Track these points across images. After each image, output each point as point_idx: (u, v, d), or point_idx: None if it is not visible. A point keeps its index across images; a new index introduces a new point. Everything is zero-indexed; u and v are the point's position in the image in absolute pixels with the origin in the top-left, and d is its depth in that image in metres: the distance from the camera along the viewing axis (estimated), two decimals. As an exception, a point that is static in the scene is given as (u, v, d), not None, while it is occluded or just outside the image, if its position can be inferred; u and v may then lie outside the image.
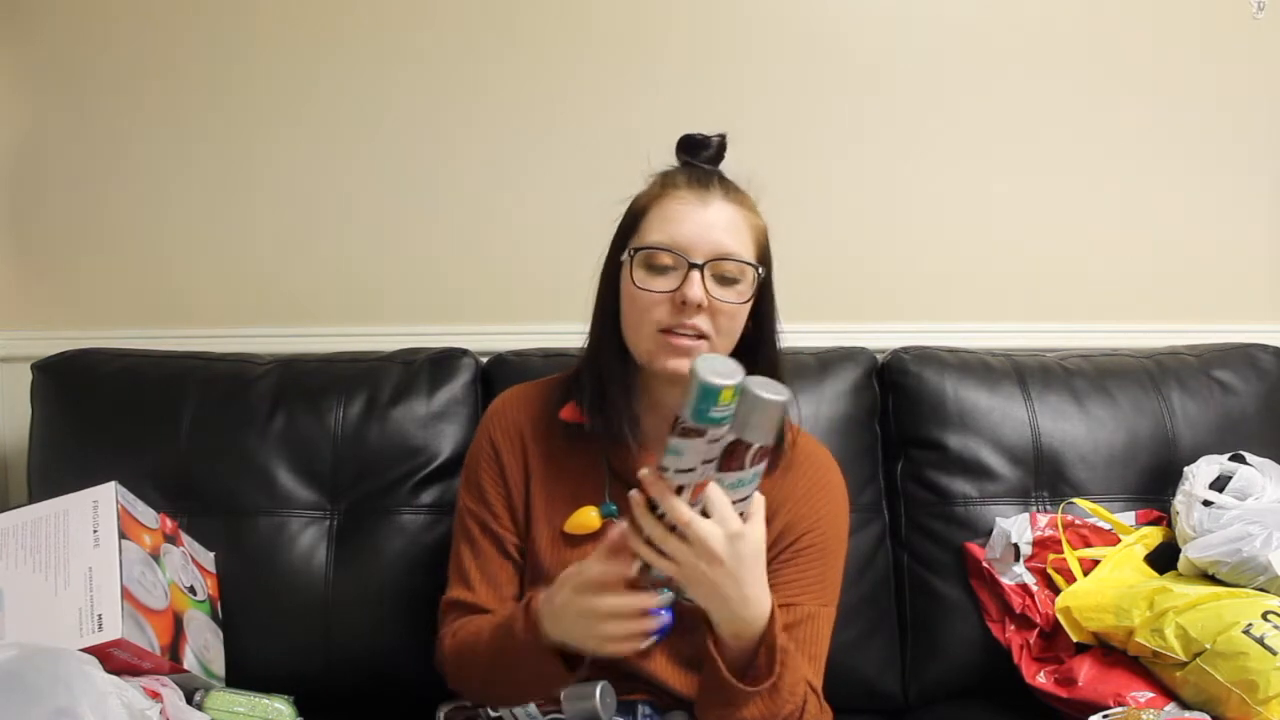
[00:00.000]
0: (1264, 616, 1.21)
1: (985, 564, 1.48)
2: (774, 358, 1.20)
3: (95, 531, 1.21)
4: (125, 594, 1.16)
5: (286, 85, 1.75)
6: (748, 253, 1.15)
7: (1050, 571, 1.45)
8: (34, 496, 1.45)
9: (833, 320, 1.76)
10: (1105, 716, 1.22)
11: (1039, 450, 1.54)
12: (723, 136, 1.20)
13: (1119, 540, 1.47)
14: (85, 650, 1.05)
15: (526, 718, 1.13)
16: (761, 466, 0.92)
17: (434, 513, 1.49)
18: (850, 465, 1.42)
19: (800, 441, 1.25)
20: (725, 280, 1.13)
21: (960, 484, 1.53)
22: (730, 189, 1.17)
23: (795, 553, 1.18)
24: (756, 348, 1.18)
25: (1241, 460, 1.46)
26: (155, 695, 1.09)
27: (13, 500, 1.72)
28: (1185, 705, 1.24)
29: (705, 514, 0.93)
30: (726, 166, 1.21)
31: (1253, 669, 1.17)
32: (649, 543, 0.95)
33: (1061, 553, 1.44)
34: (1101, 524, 1.48)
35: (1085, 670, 1.33)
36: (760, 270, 1.16)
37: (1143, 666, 1.31)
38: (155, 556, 1.27)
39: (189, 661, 1.23)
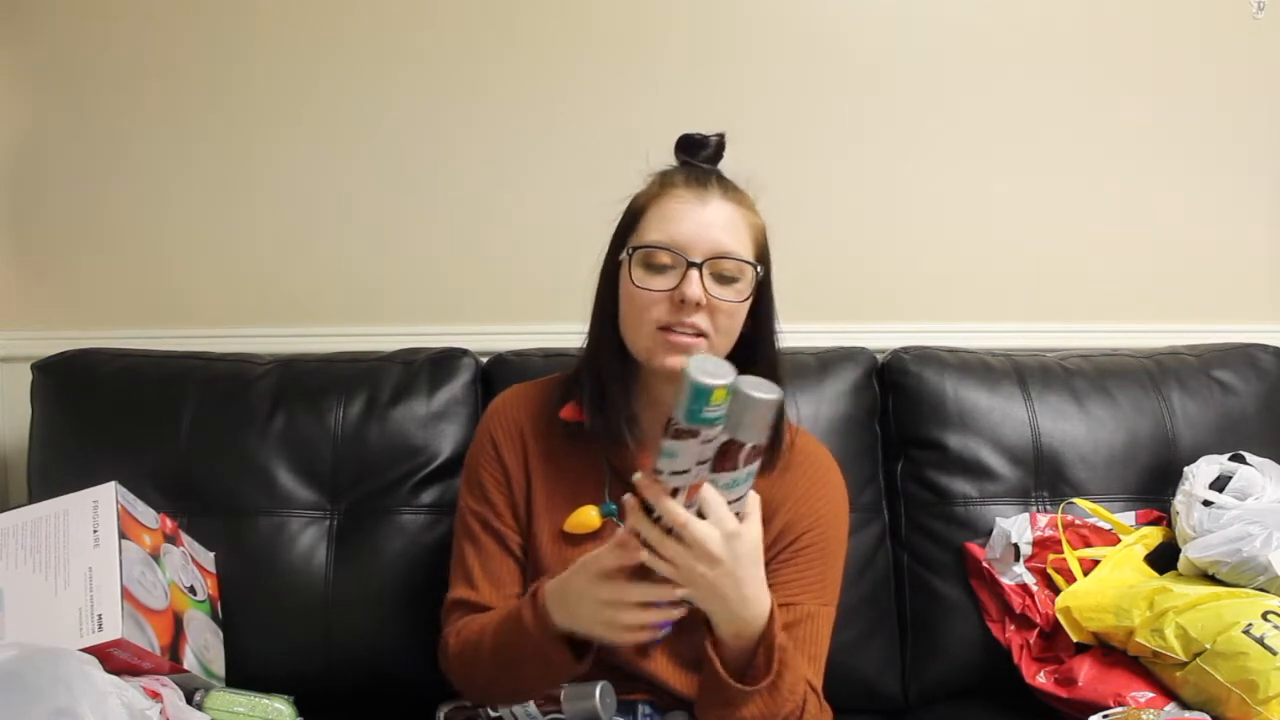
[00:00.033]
0: (1264, 616, 1.21)
1: (985, 564, 1.48)
2: (772, 357, 1.20)
3: (95, 531, 1.21)
4: (125, 594, 1.16)
5: (286, 85, 1.75)
6: (746, 251, 1.15)
7: (1050, 571, 1.45)
8: (34, 496, 1.45)
9: (833, 320, 1.76)
10: (1105, 716, 1.22)
11: (1039, 450, 1.54)
12: (721, 136, 1.20)
13: (1119, 540, 1.47)
14: (85, 650, 1.05)
15: (526, 718, 1.13)
16: (755, 466, 0.92)
17: (434, 513, 1.49)
18: (850, 465, 1.42)
19: (800, 441, 1.25)
20: (724, 279, 1.13)
21: (960, 484, 1.53)
22: (729, 188, 1.17)
23: (795, 552, 1.18)
24: (755, 347, 1.18)
25: (1241, 460, 1.46)
26: (155, 695, 1.09)
27: (13, 500, 1.72)
28: (1185, 705, 1.24)
29: (701, 515, 0.93)
30: (726, 166, 1.21)
31: (1253, 669, 1.17)
32: (647, 546, 0.95)
33: (1061, 553, 1.44)
34: (1101, 524, 1.48)
35: (1085, 670, 1.33)
36: (759, 269, 1.16)
37: (1143, 666, 1.31)
38: (155, 556, 1.27)
39: (189, 661, 1.23)
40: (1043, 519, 1.47)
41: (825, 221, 1.78)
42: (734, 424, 0.87)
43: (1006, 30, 1.78)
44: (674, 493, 0.91)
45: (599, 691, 1.09)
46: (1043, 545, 1.46)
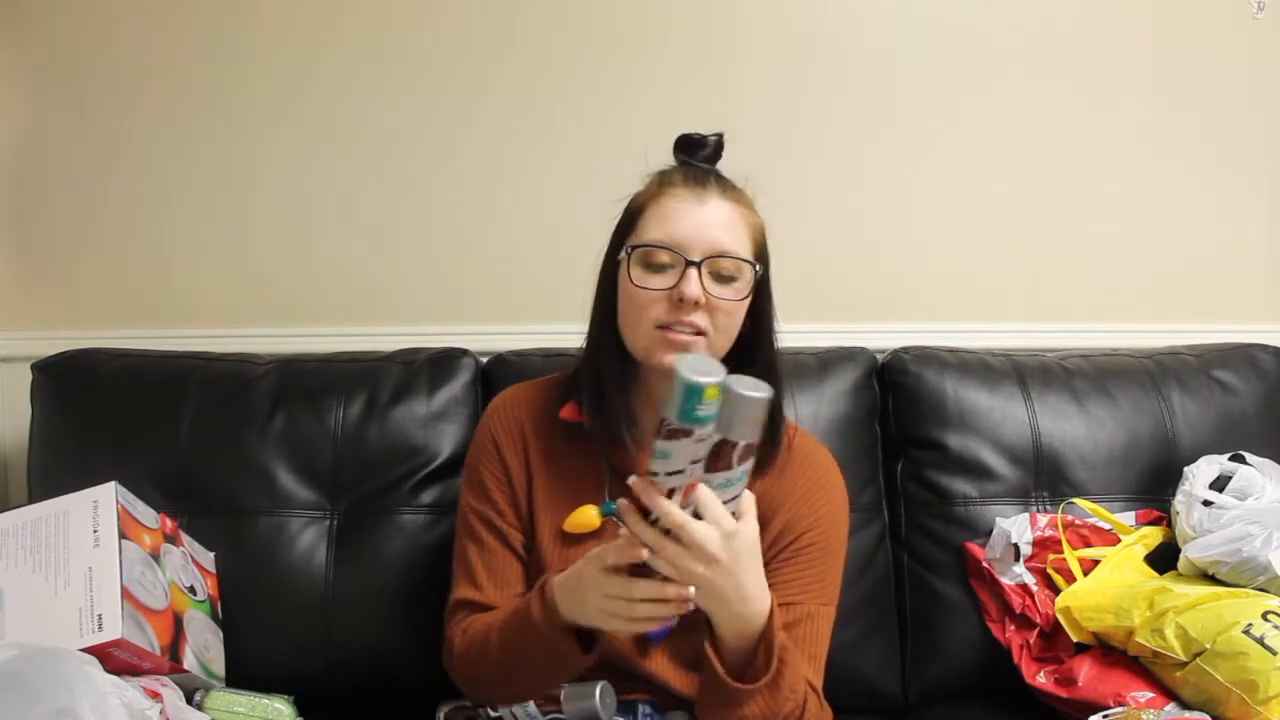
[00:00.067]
0: (1264, 616, 1.21)
1: (985, 564, 1.48)
2: (771, 356, 1.20)
3: (95, 531, 1.21)
4: (125, 594, 1.16)
5: (286, 85, 1.75)
6: (745, 250, 1.15)
7: (1050, 571, 1.45)
8: (34, 496, 1.45)
9: (833, 320, 1.76)
10: (1105, 716, 1.22)
11: (1039, 450, 1.54)
12: (720, 136, 1.20)
13: (1119, 540, 1.47)
14: (85, 650, 1.05)
15: (526, 718, 1.13)
16: (749, 464, 0.92)
17: (434, 513, 1.49)
18: (850, 465, 1.42)
19: (799, 441, 1.25)
20: (722, 277, 1.13)
21: (960, 484, 1.53)
22: (727, 187, 1.17)
23: (795, 552, 1.18)
24: (754, 346, 1.19)
25: (1241, 460, 1.46)
26: (155, 695, 1.09)
27: (13, 500, 1.72)
28: (1185, 705, 1.24)
29: (697, 516, 0.93)
30: (726, 166, 1.21)
31: (1253, 669, 1.17)
32: (646, 548, 0.95)
33: (1061, 553, 1.44)
34: (1101, 524, 1.48)
35: (1085, 670, 1.33)
36: (757, 268, 1.16)
37: (1143, 666, 1.31)
38: (155, 556, 1.27)
39: (189, 661, 1.23)
40: (1043, 519, 1.47)
41: (825, 221, 1.78)
42: (726, 423, 0.88)
43: (1006, 30, 1.78)
44: (670, 493, 0.91)
45: (599, 691, 1.09)
46: (1043, 545, 1.46)
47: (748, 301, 1.16)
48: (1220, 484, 1.42)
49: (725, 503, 0.94)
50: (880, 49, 1.77)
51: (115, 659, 1.12)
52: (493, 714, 1.17)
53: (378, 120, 1.75)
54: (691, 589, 0.96)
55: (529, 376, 1.37)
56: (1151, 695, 1.26)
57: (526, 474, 1.24)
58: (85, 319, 1.77)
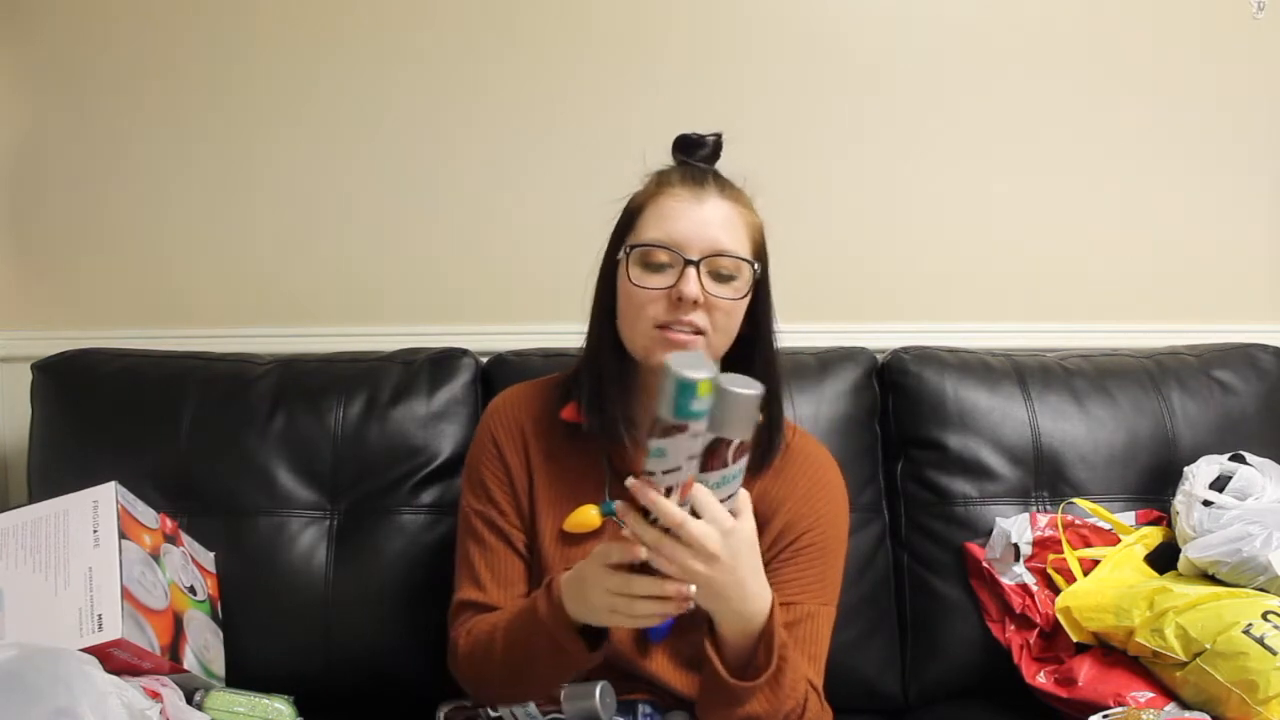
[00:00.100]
0: (1264, 616, 1.21)
1: (985, 564, 1.48)
2: (770, 356, 1.20)
3: (95, 531, 1.21)
4: (125, 594, 1.16)
5: (286, 85, 1.75)
6: (743, 249, 1.15)
7: (1050, 571, 1.45)
8: (34, 496, 1.45)
9: (833, 320, 1.76)
10: (1105, 716, 1.22)
11: (1039, 450, 1.54)
12: (718, 136, 1.20)
13: (1119, 540, 1.47)
14: (85, 650, 1.05)
15: (527, 718, 1.13)
16: (744, 461, 0.93)
17: (434, 513, 1.49)
18: (850, 465, 1.42)
19: (799, 441, 1.25)
20: (721, 277, 1.13)
21: (960, 484, 1.53)
22: (725, 186, 1.18)
23: (795, 552, 1.18)
24: (753, 346, 1.19)
25: (1241, 460, 1.46)
26: (155, 695, 1.09)
27: (13, 500, 1.72)
28: (1185, 705, 1.24)
29: (695, 515, 0.93)
30: (726, 166, 1.21)
31: (1253, 669, 1.17)
32: (647, 547, 0.95)
33: (1061, 553, 1.44)
34: (1101, 524, 1.48)
35: (1085, 670, 1.33)
36: (756, 267, 1.16)
37: (1143, 666, 1.31)
38: (155, 556, 1.27)
39: (189, 661, 1.23)
40: (1043, 519, 1.47)
41: (825, 221, 1.78)
42: (720, 422, 0.88)
43: (1006, 30, 1.78)
44: (667, 491, 0.92)
45: (599, 691, 1.09)
46: (1043, 545, 1.46)
47: (747, 301, 1.16)
48: (1220, 484, 1.42)
49: (722, 501, 0.94)
50: (880, 49, 1.77)
51: (115, 659, 1.12)
52: (493, 714, 1.17)
53: (378, 120, 1.75)
54: (692, 587, 0.96)
55: (529, 376, 1.37)
56: (1151, 695, 1.26)
57: (527, 474, 1.24)
58: (85, 319, 1.77)
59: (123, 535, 1.22)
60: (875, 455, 1.58)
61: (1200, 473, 1.45)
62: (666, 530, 0.93)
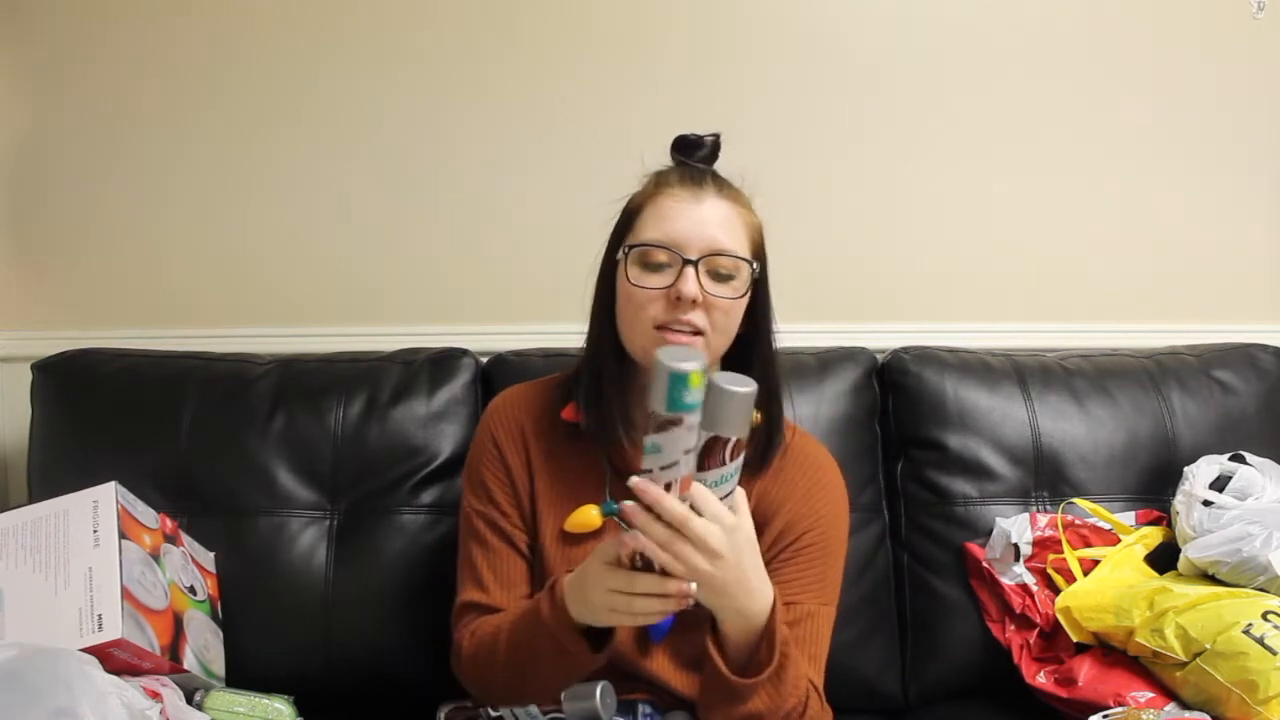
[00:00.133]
0: (1264, 616, 1.21)
1: (985, 564, 1.48)
2: (769, 356, 1.20)
3: (95, 531, 1.21)
4: (125, 594, 1.16)
5: (286, 85, 1.75)
6: (742, 249, 1.15)
7: (1050, 571, 1.45)
8: (34, 496, 1.45)
9: (833, 320, 1.76)
10: (1105, 716, 1.22)
11: (1039, 450, 1.54)
12: (716, 136, 1.20)
13: (1119, 540, 1.47)
14: (85, 650, 1.05)
15: (527, 718, 1.13)
16: (741, 459, 0.93)
17: (434, 513, 1.49)
18: (850, 465, 1.42)
19: (798, 441, 1.25)
20: (720, 276, 1.13)
21: (960, 484, 1.53)
22: (724, 186, 1.18)
23: (795, 552, 1.18)
24: (752, 346, 1.19)
25: (1241, 460, 1.46)
26: (155, 695, 1.09)
27: (13, 500, 1.72)
28: (1185, 705, 1.24)
29: (696, 513, 0.94)
30: (726, 166, 1.21)
31: (1253, 669, 1.17)
32: (655, 544, 0.95)
33: (1061, 553, 1.44)
34: (1101, 524, 1.48)
35: (1085, 670, 1.33)
36: (755, 266, 1.16)
37: (1143, 666, 1.31)
38: (155, 556, 1.27)
39: (189, 661, 1.23)
40: (1043, 519, 1.47)
41: (825, 221, 1.78)
42: (714, 420, 0.89)
43: (1006, 30, 1.78)
44: (666, 488, 0.92)
45: (599, 691, 1.09)
46: (1043, 545, 1.46)
47: (746, 300, 1.16)
48: (1220, 484, 1.42)
49: (721, 499, 0.95)
50: (880, 49, 1.77)
51: (115, 659, 1.12)
52: (493, 714, 1.17)
53: (378, 120, 1.75)
54: (693, 585, 0.96)
55: (529, 376, 1.37)
56: (1151, 695, 1.26)
57: (528, 474, 1.24)
58: (85, 319, 1.77)
59: (123, 535, 1.22)
60: (875, 455, 1.58)
61: (1200, 473, 1.45)
62: (669, 527, 0.93)
